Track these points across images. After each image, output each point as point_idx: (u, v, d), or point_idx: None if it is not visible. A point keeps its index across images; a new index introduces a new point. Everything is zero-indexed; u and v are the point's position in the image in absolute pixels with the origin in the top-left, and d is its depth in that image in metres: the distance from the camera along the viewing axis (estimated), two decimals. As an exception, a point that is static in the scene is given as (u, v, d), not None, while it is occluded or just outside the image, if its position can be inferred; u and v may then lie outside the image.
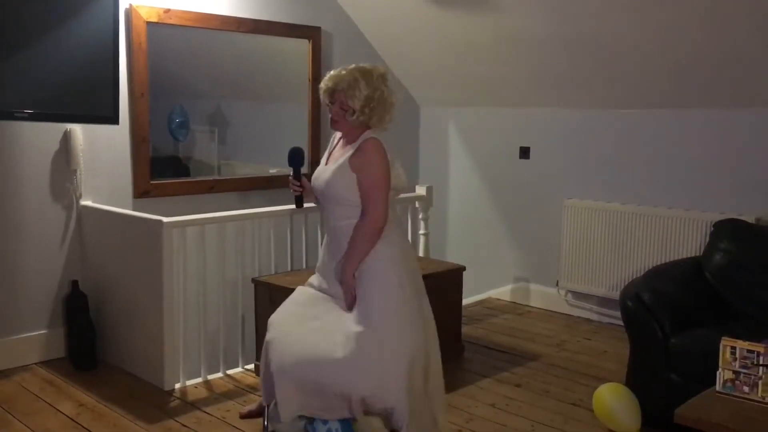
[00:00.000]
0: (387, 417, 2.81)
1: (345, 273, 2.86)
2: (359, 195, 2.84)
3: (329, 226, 3.02)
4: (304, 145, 5.11)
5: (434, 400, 2.94)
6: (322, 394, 2.80)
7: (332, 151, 3.03)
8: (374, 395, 2.77)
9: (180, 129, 5.03)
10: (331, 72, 2.90)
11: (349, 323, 2.83)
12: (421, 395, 2.85)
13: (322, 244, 3.16)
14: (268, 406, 3.03)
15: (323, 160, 3.05)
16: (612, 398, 3.24)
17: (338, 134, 3.03)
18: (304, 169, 3.16)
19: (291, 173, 3.12)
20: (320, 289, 3.03)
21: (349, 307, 2.87)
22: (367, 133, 2.88)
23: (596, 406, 3.30)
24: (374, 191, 2.82)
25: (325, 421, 2.84)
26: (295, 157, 3.11)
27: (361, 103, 2.81)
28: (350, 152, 2.86)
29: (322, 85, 2.91)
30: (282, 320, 3.00)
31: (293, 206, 3.98)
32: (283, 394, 2.80)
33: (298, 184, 3.10)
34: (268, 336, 2.98)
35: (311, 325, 2.89)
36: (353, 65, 2.89)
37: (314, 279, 3.10)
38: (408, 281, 2.89)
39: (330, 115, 2.92)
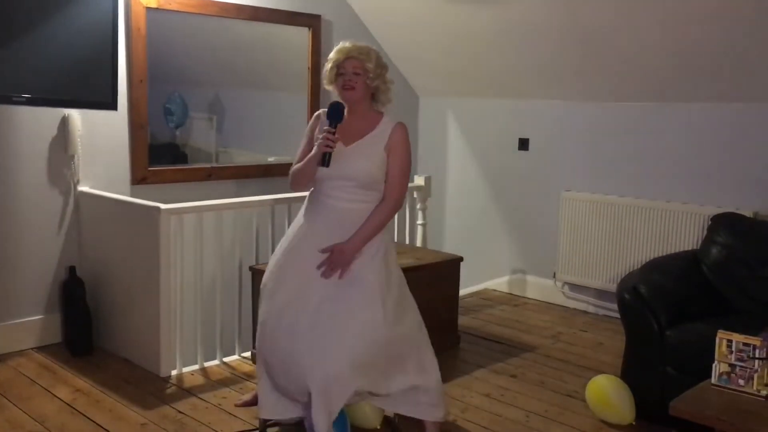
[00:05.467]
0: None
1: (350, 249, 2.85)
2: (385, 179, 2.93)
3: (335, 206, 2.91)
4: (304, 135, 5.09)
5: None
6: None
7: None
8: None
9: (168, 115, 5.01)
10: (337, 47, 2.93)
11: (350, 311, 2.83)
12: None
13: (303, 225, 2.99)
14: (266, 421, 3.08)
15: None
16: (609, 389, 3.26)
17: (322, 115, 2.97)
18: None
19: (328, 127, 2.85)
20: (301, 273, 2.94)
21: (325, 275, 2.84)
22: (391, 118, 2.97)
23: (591, 396, 3.31)
24: (403, 176, 2.95)
25: None
26: (340, 112, 2.88)
27: (374, 64, 2.91)
28: (384, 136, 2.91)
29: (331, 58, 2.93)
30: (286, 324, 2.88)
31: (291, 195, 4.00)
32: (326, 408, 2.71)
33: (338, 138, 2.87)
34: (278, 343, 2.86)
35: (321, 323, 2.81)
36: None
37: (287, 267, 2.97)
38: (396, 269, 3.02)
39: (341, 86, 2.91)
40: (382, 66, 2.96)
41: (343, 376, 2.73)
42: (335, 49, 2.95)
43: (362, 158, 2.89)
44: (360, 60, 2.89)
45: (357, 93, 2.90)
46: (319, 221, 2.94)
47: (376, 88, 2.95)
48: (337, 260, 2.85)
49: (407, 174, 2.98)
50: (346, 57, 2.90)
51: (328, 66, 2.95)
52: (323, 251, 2.87)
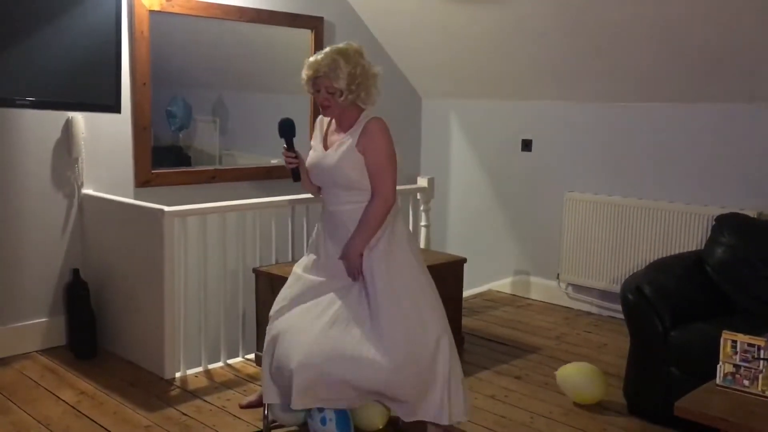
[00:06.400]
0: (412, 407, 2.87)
1: (351, 252, 2.85)
2: (368, 177, 2.86)
3: (331, 211, 2.96)
4: (305, 136, 5.09)
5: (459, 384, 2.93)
6: (340, 387, 2.81)
7: (325, 136, 2.99)
8: (406, 391, 2.84)
9: (171, 118, 5.02)
10: (308, 60, 2.87)
11: (364, 316, 2.83)
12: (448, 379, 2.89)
13: (316, 232, 3.08)
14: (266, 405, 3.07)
15: (318, 146, 2.99)
16: (572, 380, 3.45)
17: (326, 119, 3.01)
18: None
19: (284, 145, 2.99)
20: (314, 274, 3.00)
21: (354, 279, 2.88)
22: (367, 113, 2.89)
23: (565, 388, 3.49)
24: (384, 170, 2.85)
25: (320, 408, 2.86)
26: (286, 128, 2.98)
27: (346, 81, 2.80)
28: (355, 135, 2.84)
29: (303, 75, 2.87)
30: (286, 315, 2.95)
31: (294, 197, 4.00)
32: (302, 388, 2.75)
33: (293, 155, 3.00)
34: (273, 331, 2.95)
35: (323, 319, 2.84)
36: (327, 48, 2.88)
37: (304, 264, 3.05)
38: (416, 260, 2.96)
39: (319, 103, 2.89)
40: (356, 75, 2.80)
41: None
42: (306, 63, 2.87)
43: (335, 160, 2.87)
44: (329, 79, 2.79)
45: (334, 110, 2.88)
46: (322, 227, 3.02)
47: (356, 95, 2.84)
48: (347, 266, 2.88)
49: (390, 167, 2.86)
50: (316, 76, 2.83)
51: (303, 80, 2.89)
52: (340, 258, 2.91)
